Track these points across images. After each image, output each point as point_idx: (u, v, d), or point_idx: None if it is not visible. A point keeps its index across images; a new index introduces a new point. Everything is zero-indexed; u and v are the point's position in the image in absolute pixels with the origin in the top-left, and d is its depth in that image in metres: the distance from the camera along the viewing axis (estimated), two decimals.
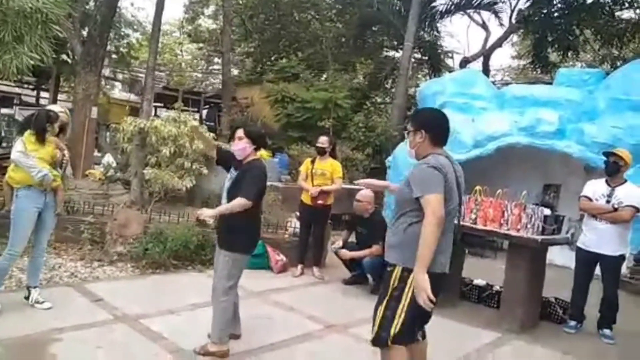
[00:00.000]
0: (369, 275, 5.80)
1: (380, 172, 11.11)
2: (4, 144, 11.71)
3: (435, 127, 2.81)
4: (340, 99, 12.72)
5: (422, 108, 3.01)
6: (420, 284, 2.53)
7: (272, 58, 18.08)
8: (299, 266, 6.12)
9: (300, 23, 17.53)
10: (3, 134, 12.79)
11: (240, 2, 19.18)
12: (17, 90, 17.86)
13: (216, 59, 22.24)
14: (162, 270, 5.53)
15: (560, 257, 7.07)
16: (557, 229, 4.89)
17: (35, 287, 4.16)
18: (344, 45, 17.68)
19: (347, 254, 5.69)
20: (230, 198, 3.48)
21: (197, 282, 5.28)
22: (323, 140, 6.12)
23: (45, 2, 5.25)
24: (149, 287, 5.07)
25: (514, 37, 19.33)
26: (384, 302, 2.74)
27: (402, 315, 2.66)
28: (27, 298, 4.12)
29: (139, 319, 4.11)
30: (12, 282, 4.49)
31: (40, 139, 3.92)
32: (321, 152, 6.10)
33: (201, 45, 23.27)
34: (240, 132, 3.59)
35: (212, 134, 7.35)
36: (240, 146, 3.56)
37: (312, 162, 6.19)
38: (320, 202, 5.99)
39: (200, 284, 5.00)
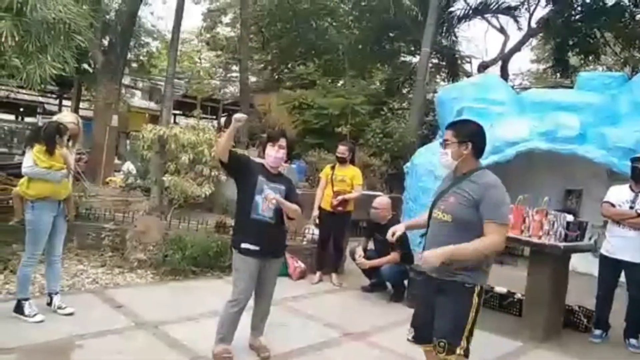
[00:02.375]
0: (387, 283, 5.77)
1: (397, 178, 11.07)
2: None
3: (480, 139, 2.80)
4: (357, 105, 12.73)
5: (464, 119, 2.96)
6: (433, 262, 2.62)
7: (289, 65, 18.19)
8: (318, 273, 6.11)
9: (317, 30, 17.59)
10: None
11: (258, 10, 19.35)
12: (40, 99, 18.23)
13: (234, 67, 22.42)
14: (181, 277, 5.56)
15: (583, 264, 6.93)
16: (580, 236, 4.80)
17: (56, 294, 4.22)
18: (361, 51, 17.67)
19: (365, 263, 5.65)
20: (281, 210, 3.54)
21: (216, 288, 5.29)
22: (342, 150, 6.12)
23: (68, 13, 5.34)
24: (169, 294, 5.10)
25: (533, 41, 19.10)
26: (470, 320, 2.69)
27: (471, 330, 2.72)
28: (49, 304, 4.18)
29: (159, 325, 4.13)
30: (36, 288, 4.55)
31: (50, 151, 3.96)
32: (341, 161, 6.11)
33: (219, 53, 23.50)
34: (283, 141, 3.59)
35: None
36: (281, 155, 3.58)
37: (332, 168, 6.20)
38: (340, 208, 5.98)
39: (219, 290, 5.01)
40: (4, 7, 4.79)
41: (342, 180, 6.07)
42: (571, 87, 10.11)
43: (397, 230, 3.05)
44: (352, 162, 6.27)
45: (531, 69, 23.96)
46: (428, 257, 2.65)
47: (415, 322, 2.93)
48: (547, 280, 4.65)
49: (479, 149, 2.79)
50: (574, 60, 16.56)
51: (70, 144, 4.23)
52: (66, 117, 4.31)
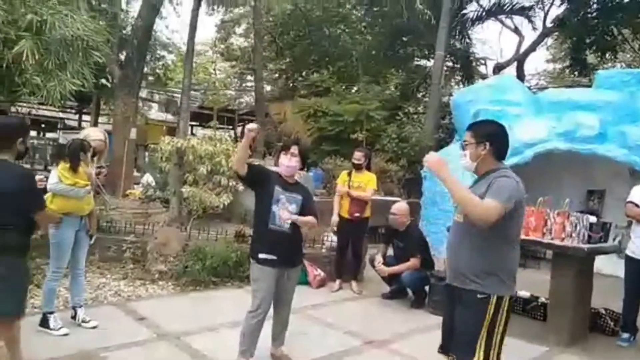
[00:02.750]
0: (408, 289, 5.73)
1: (415, 183, 11.00)
2: (49, 167, 12.19)
3: (499, 139, 2.74)
4: (372, 110, 12.72)
5: (483, 120, 2.90)
6: (431, 164, 2.70)
7: (304, 73, 18.27)
8: (337, 281, 6.09)
9: (331, 37, 17.65)
10: (48, 158, 13.30)
11: (271, 19, 19.51)
12: (60, 115, 18.60)
13: (249, 77, 22.60)
14: (202, 288, 5.59)
15: (608, 265, 6.79)
16: (604, 237, 4.71)
17: (80, 307, 4.27)
18: (375, 57, 17.68)
19: (385, 269, 5.62)
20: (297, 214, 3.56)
21: (236, 298, 5.31)
22: (359, 156, 6.11)
23: (85, 30, 5.47)
24: (190, 305, 5.13)
25: (549, 40, 18.90)
26: (484, 332, 2.59)
27: (498, 344, 2.61)
28: (73, 317, 4.24)
29: (181, 336, 4.16)
30: (60, 302, 4.62)
31: (74, 168, 4.03)
32: (358, 167, 6.10)
33: (234, 63, 23.71)
34: (295, 149, 3.57)
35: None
36: (294, 163, 3.57)
37: (349, 174, 6.19)
38: (357, 214, 5.97)
39: (240, 299, 5.02)
40: (24, 27, 4.91)
41: (358, 187, 6.05)
42: (589, 86, 9.96)
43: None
44: (368, 168, 6.26)
45: (547, 69, 23.68)
46: (427, 159, 2.75)
47: (443, 332, 2.87)
48: (572, 283, 4.56)
49: (498, 149, 2.72)
50: (591, 58, 16.33)
51: (95, 159, 4.30)
52: (94, 133, 4.36)
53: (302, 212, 3.55)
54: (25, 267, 3.10)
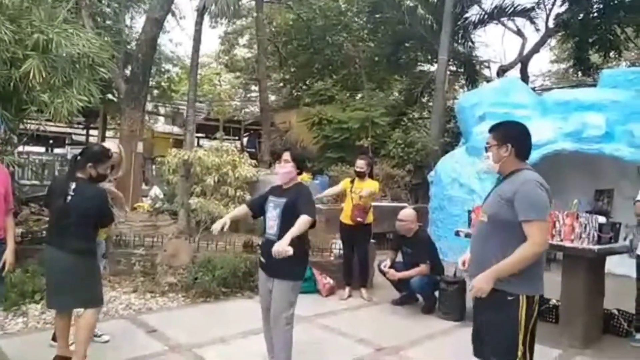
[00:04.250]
0: (418, 295, 5.71)
1: (422, 188, 10.99)
2: None
3: (521, 140, 2.74)
4: (377, 117, 12.73)
5: (505, 121, 2.88)
6: (484, 288, 2.53)
7: (307, 82, 18.34)
8: (347, 288, 6.09)
9: (333, 45, 17.72)
10: (57, 174, 13.40)
11: (274, 29, 19.63)
12: (68, 130, 18.73)
13: (253, 87, 22.72)
14: (212, 299, 5.60)
15: (619, 266, 6.72)
16: (614, 237, 4.67)
17: None
18: (378, 63, 17.74)
19: (395, 274, 5.60)
20: (284, 223, 3.41)
21: (246, 308, 5.31)
22: (361, 165, 6.10)
23: (91, 47, 5.54)
24: (201, 316, 5.14)
25: (552, 41, 18.88)
26: (521, 336, 2.57)
27: (527, 343, 2.60)
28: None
29: (192, 348, 4.17)
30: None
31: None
32: (361, 175, 6.10)
33: (238, 74, 23.86)
34: (286, 155, 3.61)
35: (253, 161, 7.51)
36: (287, 169, 3.59)
37: (352, 182, 6.20)
38: (359, 219, 5.96)
39: (250, 310, 5.02)
40: (31, 46, 4.98)
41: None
42: (594, 86, 9.94)
43: (467, 260, 2.94)
44: (371, 175, 6.26)
45: (551, 70, 23.66)
46: (478, 287, 2.56)
47: (472, 336, 2.87)
48: (583, 285, 4.53)
49: (521, 150, 2.73)
50: (594, 57, 16.30)
51: (113, 172, 4.29)
52: (108, 146, 4.11)
53: (285, 212, 3.45)
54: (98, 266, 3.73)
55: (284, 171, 3.60)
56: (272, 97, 20.16)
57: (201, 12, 11.26)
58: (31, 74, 4.80)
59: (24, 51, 4.95)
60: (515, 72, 16.64)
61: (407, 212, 5.77)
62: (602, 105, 7.64)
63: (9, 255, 3.44)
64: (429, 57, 17.44)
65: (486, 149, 2.80)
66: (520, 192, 2.56)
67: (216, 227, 3.65)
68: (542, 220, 2.55)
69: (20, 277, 4.90)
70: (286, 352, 3.50)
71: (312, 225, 3.43)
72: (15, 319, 4.61)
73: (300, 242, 3.38)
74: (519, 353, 2.56)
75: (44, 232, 6.42)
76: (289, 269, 3.43)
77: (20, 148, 9.73)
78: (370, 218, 6.07)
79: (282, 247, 3.18)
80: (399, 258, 5.92)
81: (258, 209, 3.76)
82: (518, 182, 2.62)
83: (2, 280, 3.66)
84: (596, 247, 4.38)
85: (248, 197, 6.96)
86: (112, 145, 4.28)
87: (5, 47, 4.84)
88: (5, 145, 6.00)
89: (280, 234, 3.41)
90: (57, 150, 18.96)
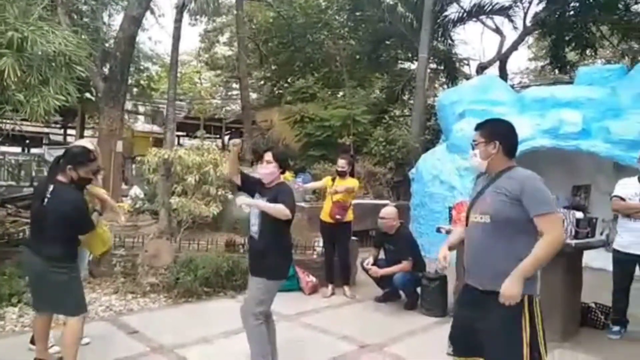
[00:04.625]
0: (401, 292, 5.75)
1: (403, 185, 11.07)
2: (35, 183, 12.06)
3: (509, 137, 2.73)
4: (358, 115, 12.78)
5: (493, 119, 2.87)
6: (516, 293, 2.44)
7: (289, 80, 18.31)
8: (329, 286, 6.10)
9: (314, 43, 17.72)
10: (34, 174, 13.16)
11: (254, 27, 19.53)
12: (45, 130, 18.42)
13: (234, 85, 22.61)
14: (194, 299, 5.56)
15: (596, 259, 6.87)
16: (591, 232, 4.78)
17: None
18: (359, 61, 17.79)
19: (377, 271, 5.63)
20: (264, 221, 3.43)
21: (229, 308, 5.28)
22: (342, 164, 6.12)
23: (67, 45, 5.44)
24: (183, 317, 5.10)
25: (530, 39, 19.15)
26: (525, 340, 2.49)
27: (543, 344, 2.54)
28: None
29: (175, 349, 4.13)
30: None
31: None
32: (342, 174, 6.12)
33: (219, 72, 23.72)
34: (268, 156, 3.58)
35: None
36: (269, 170, 3.57)
37: (333, 180, 6.21)
38: (338, 217, 5.97)
39: (233, 310, 4.97)
40: (5, 44, 4.87)
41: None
42: (571, 83, 10.12)
43: (447, 255, 2.90)
44: (352, 174, 6.29)
45: (529, 67, 24.00)
46: (509, 295, 2.44)
47: (453, 336, 2.78)
48: (561, 279, 4.61)
49: (509, 148, 2.72)
50: (571, 55, 16.59)
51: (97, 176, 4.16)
52: (83, 145, 3.94)
53: (264, 213, 3.43)
54: (77, 273, 3.54)
55: (266, 172, 3.58)
56: (254, 95, 20.07)
57: (180, 9, 11.13)
58: (5, 73, 4.70)
59: None
60: (494, 70, 16.86)
61: (389, 210, 5.80)
62: (578, 103, 7.78)
63: None
64: (410, 55, 17.56)
65: (473, 147, 2.79)
66: (527, 187, 2.53)
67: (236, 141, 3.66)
68: (555, 213, 2.57)
69: None
70: (259, 346, 3.47)
71: (289, 221, 3.47)
72: None
73: (277, 241, 3.46)
74: (525, 354, 2.48)
75: (21, 233, 6.31)
76: (266, 266, 3.44)
77: None
78: (350, 216, 6.09)
79: (243, 201, 3.40)
80: (382, 255, 5.96)
81: (248, 184, 3.69)
82: (519, 178, 2.58)
83: None
84: (574, 241, 4.47)
85: (230, 196, 6.92)
86: (86, 144, 4.17)
87: None
88: None
89: (261, 233, 3.47)
90: (33, 150, 18.62)
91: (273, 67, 19.93)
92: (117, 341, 4.30)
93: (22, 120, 6.09)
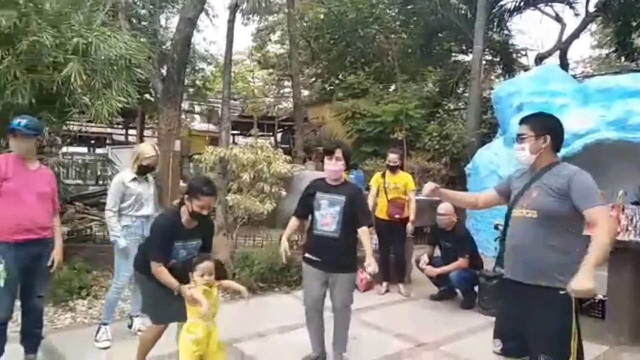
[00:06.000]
0: (457, 290, 5.63)
1: (459, 180, 10.82)
2: (100, 182, 12.68)
3: (559, 132, 2.71)
4: (411, 109, 12.60)
5: (539, 112, 2.84)
6: (591, 287, 2.30)
7: (340, 76, 18.29)
8: (384, 283, 6.05)
9: (365, 38, 17.60)
10: (99, 173, 13.83)
11: (305, 24, 19.63)
12: (108, 130, 19.29)
13: (286, 83, 22.83)
14: (250, 294, 5.65)
15: None
16: None
17: (137, 316, 4.41)
18: (411, 55, 17.53)
19: (433, 270, 5.53)
20: (345, 220, 3.53)
21: (284, 303, 5.36)
22: (394, 158, 6.06)
23: (128, 49, 5.65)
24: (239, 312, 5.19)
25: (593, 26, 18.21)
26: (575, 330, 2.51)
27: (577, 338, 2.54)
28: (130, 327, 4.38)
29: (233, 343, 4.22)
30: (116, 312, 4.78)
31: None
32: (393, 169, 6.05)
33: (271, 70, 24.02)
34: (339, 153, 3.59)
35: (287, 157, 7.55)
36: (338, 167, 3.60)
37: (383, 176, 6.14)
38: (397, 216, 5.92)
39: (288, 305, 5.07)
40: (71, 50, 5.12)
41: (395, 188, 6.01)
42: (638, 71, 9.54)
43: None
44: (401, 167, 6.21)
45: (593, 55, 22.84)
46: (587, 289, 2.30)
47: (500, 333, 2.76)
48: (630, 279, 4.37)
49: (557, 143, 2.70)
50: (638, 42, 15.64)
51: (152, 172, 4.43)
52: (146, 148, 4.36)
53: (347, 213, 3.54)
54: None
55: (335, 169, 3.59)
56: (305, 93, 20.21)
57: (233, 9, 11.34)
58: (72, 77, 4.94)
59: (65, 55, 5.09)
60: (554, 60, 16.15)
61: (447, 206, 5.62)
62: None
63: (57, 253, 3.56)
64: (464, 47, 17.12)
65: (518, 140, 2.73)
66: (575, 182, 2.51)
67: (282, 255, 3.74)
68: (604, 205, 2.55)
69: (67, 274, 5.06)
70: (345, 336, 3.78)
71: None
72: (64, 314, 4.78)
73: (355, 239, 3.63)
74: (575, 351, 2.49)
75: (89, 230, 6.65)
76: (351, 261, 3.67)
77: (64, 149, 10.05)
78: (406, 213, 6.01)
79: (374, 266, 3.46)
80: (437, 252, 5.85)
81: (307, 211, 3.75)
82: (566, 174, 2.56)
83: (51, 277, 3.79)
84: None
85: (283, 193, 7.00)
86: (149, 148, 4.37)
87: (47, 51, 5.00)
88: (50, 147, 6.21)
89: (342, 231, 3.54)
90: (98, 150, 19.57)
91: (324, 64, 19.96)
92: (175, 335, 4.43)
93: (88, 121, 6.40)
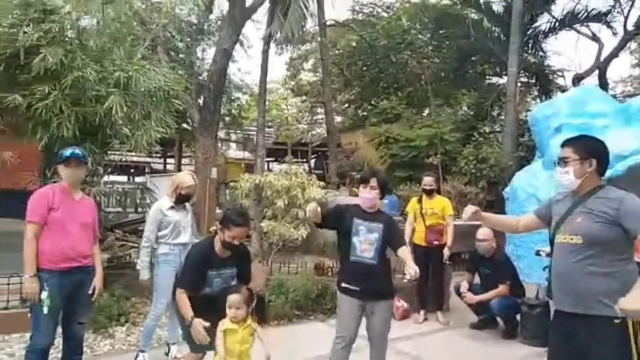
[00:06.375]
0: (498, 318, 5.44)
1: (497, 204, 10.57)
2: (139, 210, 12.98)
3: (604, 156, 2.64)
4: (445, 133, 12.48)
5: (583, 135, 2.78)
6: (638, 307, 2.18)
7: (373, 101, 18.36)
8: (422, 312, 5.92)
9: (398, 64, 17.67)
10: (138, 201, 14.17)
11: (337, 52, 19.90)
12: (147, 159, 19.85)
13: (319, 109, 23.06)
14: (285, 321, 5.63)
15: None
16: None
17: (174, 344, 4.44)
18: (444, 79, 17.46)
19: (473, 298, 5.38)
20: (383, 247, 3.51)
21: (319, 331, 5.29)
22: (430, 181, 5.98)
23: (166, 81, 5.86)
24: (274, 339, 5.15)
25: (632, 44, 17.76)
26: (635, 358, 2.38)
27: None
28: (167, 354, 4.41)
29: None
30: (153, 339, 4.82)
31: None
32: (429, 193, 5.98)
33: (304, 97, 24.35)
34: (374, 182, 3.58)
35: (321, 182, 7.57)
36: (372, 195, 3.58)
37: (419, 201, 6.06)
38: (435, 242, 5.82)
39: (323, 333, 4.98)
40: (113, 83, 5.34)
41: (433, 213, 5.91)
42: None
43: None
44: (438, 191, 6.12)
45: (633, 74, 22.22)
46: (628, 306, 2.15)
47: None
48: None
49: (603, 167, 2.63)
50: None
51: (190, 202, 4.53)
52: (185, 177, 4.47)
53: (385, 239, 3.51)
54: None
55: (369, 197, 3.58)
56: (338, 119, 20.34)
57: (267, 40, 11.64)
58: (113, 110, 5.13)
59: (107, 89, 5.31)
60: (592, 80, 15.78)
61: (486, 231, 5.46)
62: None
63: (98, 281, 3.63)
64: (498, 70, 16.94)
65: (561, 164, 2.66)
66: (625, 206, 2.43)
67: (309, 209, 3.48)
68: None
69: (107, 301, 5.16)
70: None
71: None
72: (103, 340, 4.85)
73: (389, 266, 3.66)
74: None
75: (127, 257, 6.78)
76: (389, 288, 3.64)
77: (105, 178, 10.37)
78: (445, 239, 5.90)
79: (415, 269, 3.31)
80: (476, 280, 5.69)
81: (330, 221, 3.63)
82: (615, 197, 2.48)
83: (92, 304, 3.87)
84: None
85: None
86: (188, 177, 4.46)
87: (90, 85, 5.23)
88: (92, 176, 6.42)
89: (379, 258, 3.50)
90: (137, 179, 20.11)
91: (357, 90, 20.12)
92: None
93: (128, 151, 6.60)
